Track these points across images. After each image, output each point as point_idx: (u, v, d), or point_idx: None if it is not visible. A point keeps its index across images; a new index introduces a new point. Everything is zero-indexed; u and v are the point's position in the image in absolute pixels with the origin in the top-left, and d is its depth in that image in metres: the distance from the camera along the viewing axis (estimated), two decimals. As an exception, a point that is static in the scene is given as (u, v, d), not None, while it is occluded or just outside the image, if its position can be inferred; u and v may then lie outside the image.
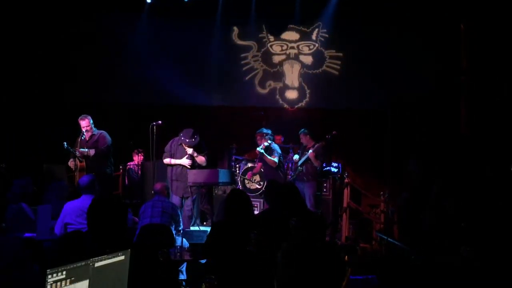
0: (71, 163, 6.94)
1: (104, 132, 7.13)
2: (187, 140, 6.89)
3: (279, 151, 7.94)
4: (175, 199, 7.12)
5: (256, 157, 8.94)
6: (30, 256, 2.91)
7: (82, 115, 7.09)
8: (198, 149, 6.97)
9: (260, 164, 8.18)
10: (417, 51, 8.81)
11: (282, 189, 4.87)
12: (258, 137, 7.97)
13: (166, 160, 7.07)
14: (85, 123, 7.01)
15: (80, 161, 6.87)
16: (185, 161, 6.91)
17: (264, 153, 7.75)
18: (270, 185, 5.25)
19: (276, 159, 7.74)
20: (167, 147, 7.12)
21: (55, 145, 7.06)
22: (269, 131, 7.96)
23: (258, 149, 7.86)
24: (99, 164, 6.96)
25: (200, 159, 6.96)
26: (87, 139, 7.02)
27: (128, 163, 8.69)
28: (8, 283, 2.72)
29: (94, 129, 7.10)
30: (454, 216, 4.60)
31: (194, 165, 6.97)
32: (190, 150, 6.90)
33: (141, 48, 9.27)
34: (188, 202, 6.97)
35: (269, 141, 7.82)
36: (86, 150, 6.86)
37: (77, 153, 6.84)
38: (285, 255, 2.65)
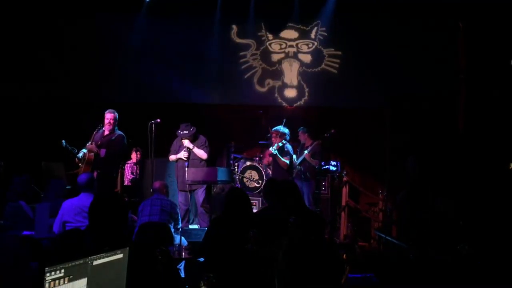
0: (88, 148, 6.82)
1: (123, 135, 6.96)
2: (181, 133, 7.09)
3: (292, 152, 7.82)
4: (180, 196, 7.18)
5: (254, 155, 8.94)
6: (28, 254, 2.91)
7: (110, 109, 6.96)
8: (194, 140, 7.03)
9: (268, 152, 8.08)
10: (416, 49, 8.81)
11: (281, 187, 4.87)
12: (274, 135, 7.78)
13: (170, 158, 7.30)
14: (111, 116, 6.87)
15: (79, 159, 6.83)
16: (181, 154, 7.05)
17: (278, 154, 7.66)
18: (270, 183, 5.24)
19: (288, 161, 7.68)
20: (172, 146, 7.29)
21: (53, 143, 7.04)
22: (287, 131, 7.76)
23: (271, 149, 7.73)
24: (108, 164, 6.82)
25: (198, 151, 7.02)
26: (106, 133, 6.88)
27: (127, 162, 8.68)
28: (7, 281, 2.72)
29: (116, 128, 6.97)
30: (451, 215, 4.62)
31: (190, 157, 7.00)
32: (186, 142, 6.99)
33: (139, 47, 9.26)
34: (199, 193, 7.04)
35: (283, 141, 7.70)
36: (97, 149, 6.74)
37: (79, 150, 6.77)
38: (285, 253, 2.66)
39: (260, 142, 8.81)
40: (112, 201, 2.95)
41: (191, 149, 7.04)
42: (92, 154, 6.73)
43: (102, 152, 6.75)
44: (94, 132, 6.90)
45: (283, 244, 2.46)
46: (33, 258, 3.01)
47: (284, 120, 7.98)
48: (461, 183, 7.18)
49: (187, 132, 7.05)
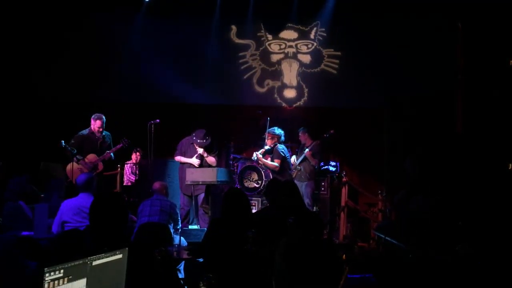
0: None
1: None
2: (198, 141, 7.07)
3: (284, 153, 7.70)
4: (183, 198, 7.20)
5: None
6: (22, 254, 2.90)
7: (98, 114, 7.04)
8: (208, 149, 7.08)
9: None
10: (414, 50, 8.82)
11: (282, 187, 4.88)
12: (269, 137, 7.74)
13: (177, 158, 7.27)
14: (102, 121, 6.99)
15: (77, 162, 6.81)
16: (194, 160, 7.08)
17: (262, 159, 7.62)
18: (271, 182, 5.26)
19: (277, 163, 7.63)
20: (179, 145, 7.32)
21: (52, 143, 7.03)
22: (282, 132, 7.71)
23: (254, 157, 7.75)
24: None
25: (210, 159, 7.12)
26: (101, 139, 6.99)
27: (126, 162, 8.67)
28: (7, 282, 2.72)
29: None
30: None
31: (203, 165, 7.06)
32: (200, 150, 7.03)
33: (138, 47, 9.26)
34: (200, 197, 7.06)
35: (276, 143, 7.63)
36: (111, 155, 6.96)
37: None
38: (282, 253, 2.67)
39: (232, 155, 8.86)
40: (113, 201, 2.95)
41: (205, 157, 7.09)
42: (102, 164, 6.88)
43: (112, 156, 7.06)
44: (97, 142, 6.91)
45: (280, 244, 2.46)
46: (32, 258, 3.00)
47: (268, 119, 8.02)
48: (461, 183, 7.17)
49: (204, 141, 7.06)
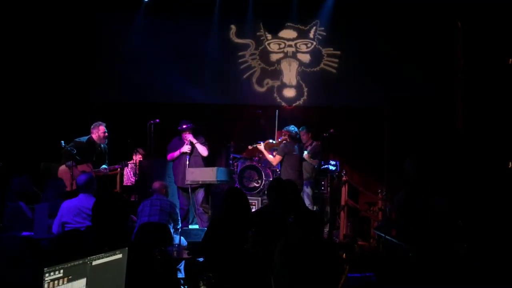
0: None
1: None
2: (184, 126, 7.14)
3: (285, 150, 7.28)
4: (181, 196, 7.20)
5: (253, 155, 8.90)
6: (27, 255, 2.91)
7: (100, 122, 6.97)
8: (195, 134, 7.18)
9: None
10: (414, 49, 8.83)
11: (283, 187, 4.89)
12: (283, 133, 7.49)
13: (169, 156, 7.29)
14: (104, 128, 6.96)
15: (70, 167, 6.75)
16: (185, 147, 7.12)
17: (262, 148, 7.52)
18: (275, 182, 5.26)
19: (276, 159, 7.43)
20: (170, 145, 7.33)
21: (53, 144, 7.03)
22: (294, 129, 7.37)
23: (255, 144, 7.73)
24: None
25: (200, 147, 7.10)
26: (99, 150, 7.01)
27: (128, 162, 8.65)
28: (7, 282, 2.72)
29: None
30: (450, 214, 4.62)
31: (192, 153, 7.11)
32: (190, 136, 7.06)
33: (138, 47, 9.26)
34: (198, 194, 7.05)
35: (280, 140, 7.60)
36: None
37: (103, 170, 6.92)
38: (282, 252, 2.67)
39: (259, 142, 8.77)
40: (114, 201, 2.96)
41: (194, 144, 7.11)
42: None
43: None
44: (80, 144, 6.86)
45: (279, 244, 2.46)
46: (32, 258, 3.01)
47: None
48: (461, 183, 7.18)
49: (190, 125, 7.17)
